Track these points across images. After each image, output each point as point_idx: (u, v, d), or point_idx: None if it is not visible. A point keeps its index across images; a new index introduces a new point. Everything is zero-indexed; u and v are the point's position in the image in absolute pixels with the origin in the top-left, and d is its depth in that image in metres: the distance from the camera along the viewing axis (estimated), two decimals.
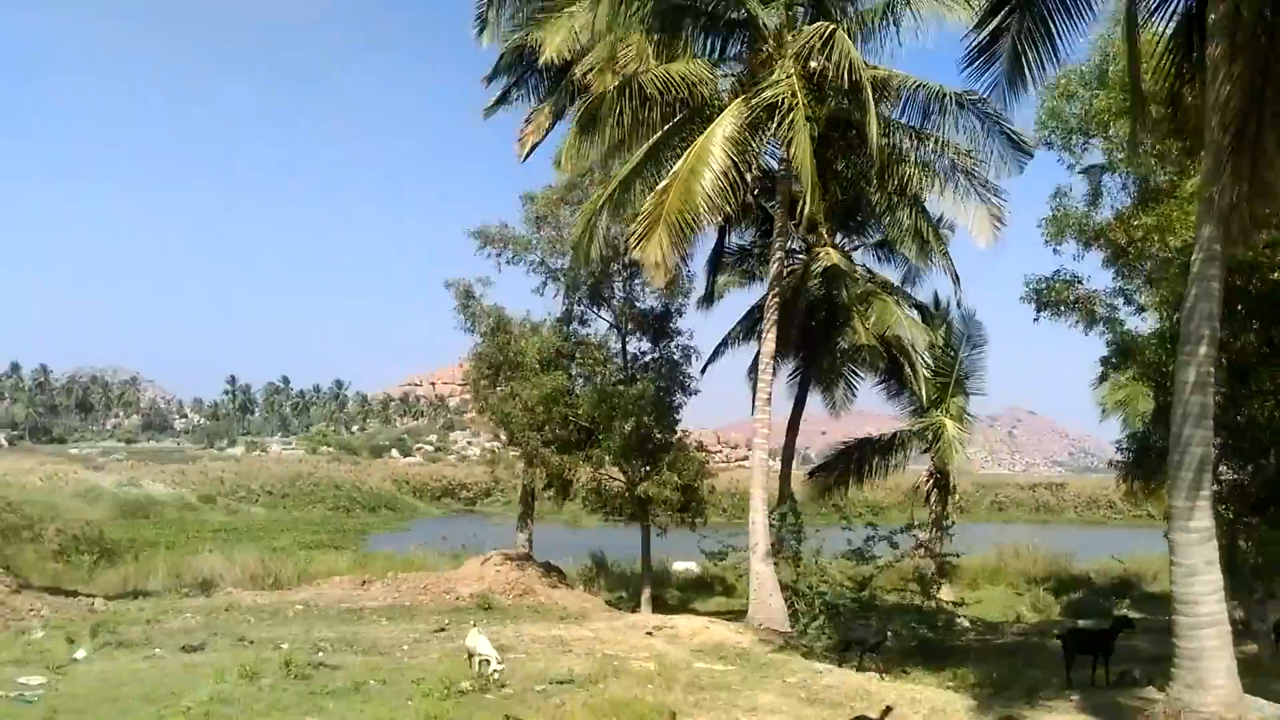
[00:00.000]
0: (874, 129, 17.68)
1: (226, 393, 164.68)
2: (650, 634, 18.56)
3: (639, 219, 18.62)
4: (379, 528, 61.37)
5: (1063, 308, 20.71)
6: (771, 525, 21.09)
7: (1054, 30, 14.39)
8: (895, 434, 27.97)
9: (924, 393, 26.10)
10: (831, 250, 24.95)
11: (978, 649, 20.39)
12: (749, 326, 26.57)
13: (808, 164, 17.86)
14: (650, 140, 20.07)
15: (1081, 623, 20.07)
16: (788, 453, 26.38)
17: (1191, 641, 11.60)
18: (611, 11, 18.91)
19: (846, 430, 33.66)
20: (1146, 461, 20.97)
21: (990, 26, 14.71)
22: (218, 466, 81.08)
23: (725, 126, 19.03)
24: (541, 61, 23.55)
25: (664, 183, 18.77)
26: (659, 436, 23.22)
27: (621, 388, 23.33)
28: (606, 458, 22.72)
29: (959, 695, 14.96)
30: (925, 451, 27.32)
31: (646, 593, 24.29)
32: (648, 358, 25.08)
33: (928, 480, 27.90)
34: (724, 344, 26.41)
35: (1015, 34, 14.42)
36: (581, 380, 24.01)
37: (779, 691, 14.68)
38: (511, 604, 21.80)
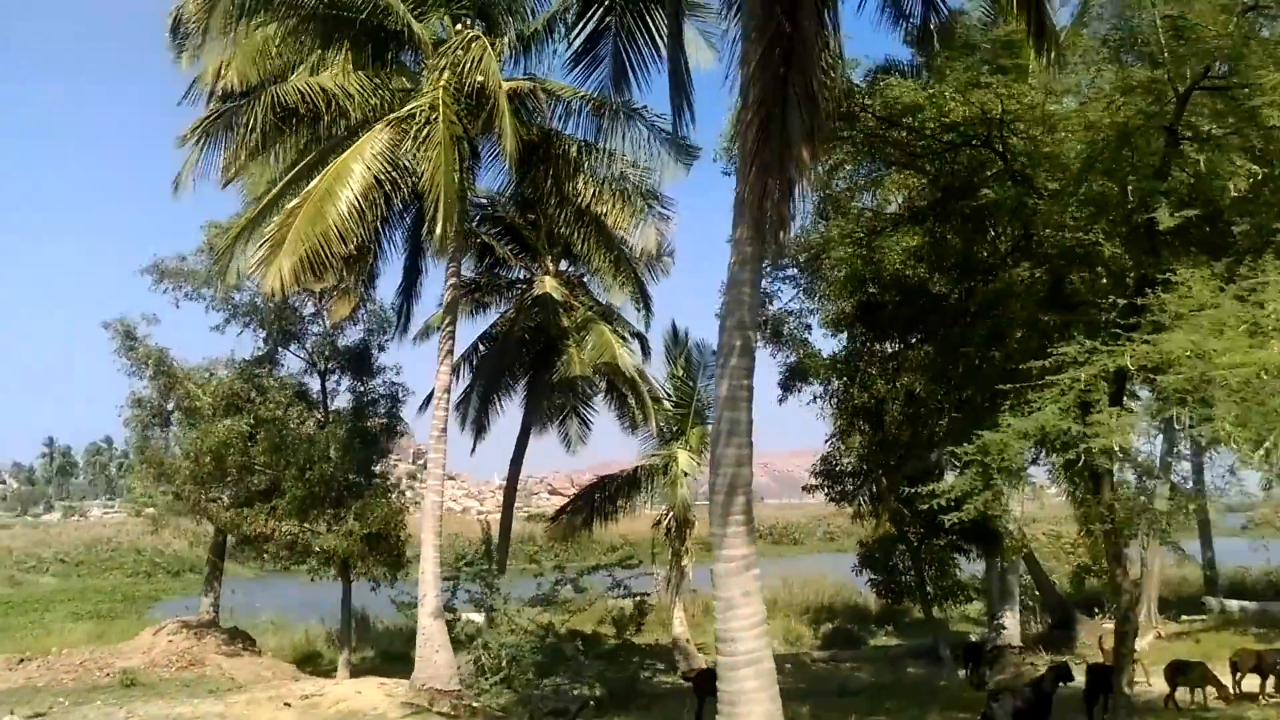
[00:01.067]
0: (508, 141, 16.56)
1: (44, 455, 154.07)
2: (288, 705, 16.84)
3: (261, 242, 16.98)
4: (176, 593, 57.33)
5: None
6: (462, 572, 19.54)
7: (654, 27, 13.72)
8: (636, 469, 26.93)
9: (654, 424, 25.17)
10: (547, 279, 23.93)
11: (667, 693, 19.36)
12: (476, 363, 25.27)
13: (442, 182, 16.52)
14: (307, 159, 18.63)
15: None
16: (509, 495, 24.99)
17: (730, 684, 10.50)
18: (225, 19, 17.30)
19: None
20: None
21: (587, 30, 13.97)
22: (10, 534, 75.38)
23: (374, 143, 17.64)
24: (211, 86, 21.77)
25: (294, 203, 17.17)
26: (353, 481, 21.49)
27: (312, 431, 21.58)
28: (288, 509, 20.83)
29: None
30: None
31: (345, 655, 22.37)
32: (356, 398, 23.45)
33: (668, 515, 26.95)
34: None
35: (615, 36, 13.74)
36: (280, 425, 22.06)
37: None
38: (170, 677, 19.73)
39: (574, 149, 19.55)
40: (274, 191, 18.35)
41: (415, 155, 17.69)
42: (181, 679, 19.55)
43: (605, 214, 20.06)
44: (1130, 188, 10.46)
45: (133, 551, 68.37)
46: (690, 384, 26.65)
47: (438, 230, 16.45)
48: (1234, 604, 30.08)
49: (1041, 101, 11.85)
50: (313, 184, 17.26)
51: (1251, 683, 17.03)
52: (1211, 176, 10.15)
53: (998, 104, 12.05)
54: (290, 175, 18.29)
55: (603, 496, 27.17)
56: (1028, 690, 12.93)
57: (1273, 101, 9.42)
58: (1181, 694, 16.49)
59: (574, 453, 26.91)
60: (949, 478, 19.39)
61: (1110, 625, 26.82)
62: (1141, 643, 20.46)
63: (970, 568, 25.16)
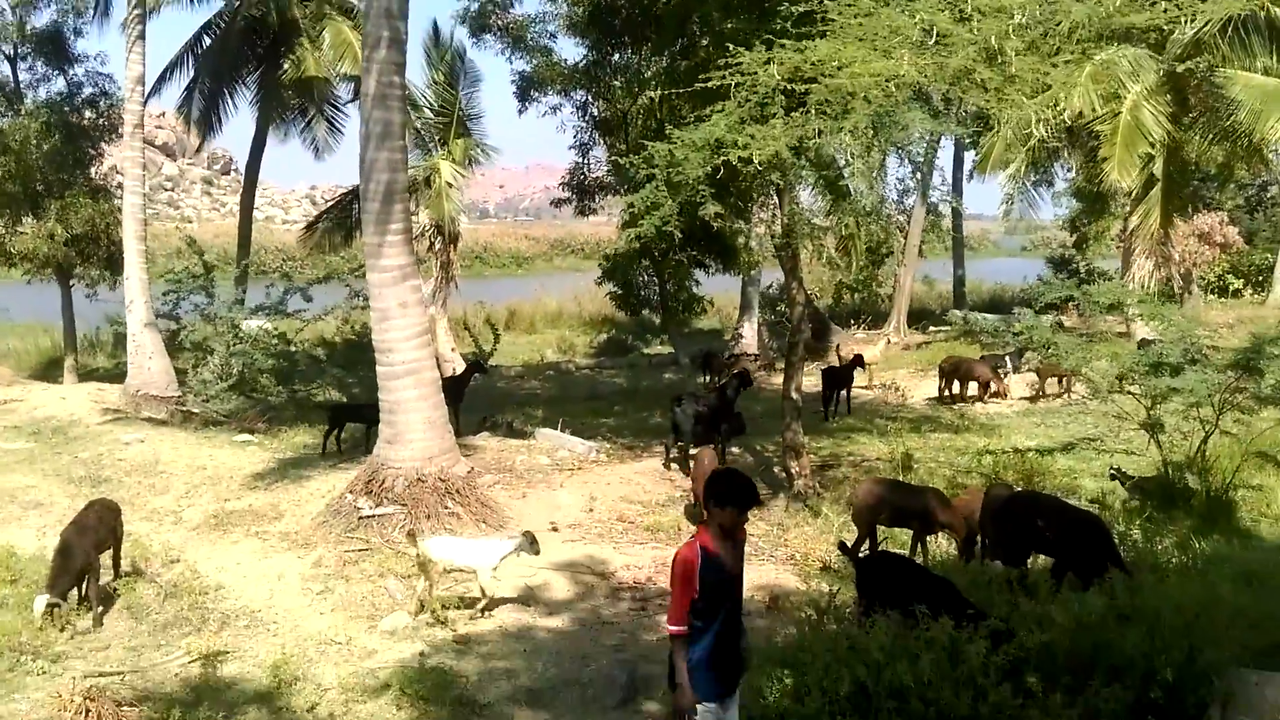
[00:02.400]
0: None
1: None
2: None
3: None
4: None
5: (495, 32, 18.56)
6: (181, 281, 18.51)
7: None
8: None
9: (410, 133, 23.73)
10: None
11: None
12: (200, 54, 22.75)
13: None
14: None
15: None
16: (247, 200, 23.53)
17: (390, 394, 10.44)
18: None
19: None
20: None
21: None
22: None
23: None
24: None
25: None
26: (55, 179, 19.63)
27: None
28: None
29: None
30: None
31: (69, 361, 21.41)
32: (65, 91, 21.03)
33: (431, 229, 26.19)
34: (169, 70, 22.52)
35: None
36: None
37: (49, 472, 12.80)
38: None
39: None
40: None
41: None
42: None
43: None
44: None
45: None
46: (452, 91, 25.03)
47: None
48: (977, 316, 32.19)
49: None
50: None
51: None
52: None
53: None
54: None
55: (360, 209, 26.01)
56: (711, 396, 13.52)
57: None
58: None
59: (323, 159, 25.37)
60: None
61: (861, 336, 28.62)
62: (874, 350, 21.77)
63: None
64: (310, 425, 16.15)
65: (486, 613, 8.19)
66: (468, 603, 8.39)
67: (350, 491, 10.37)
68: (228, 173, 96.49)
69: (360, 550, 9.54)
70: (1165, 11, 8.55)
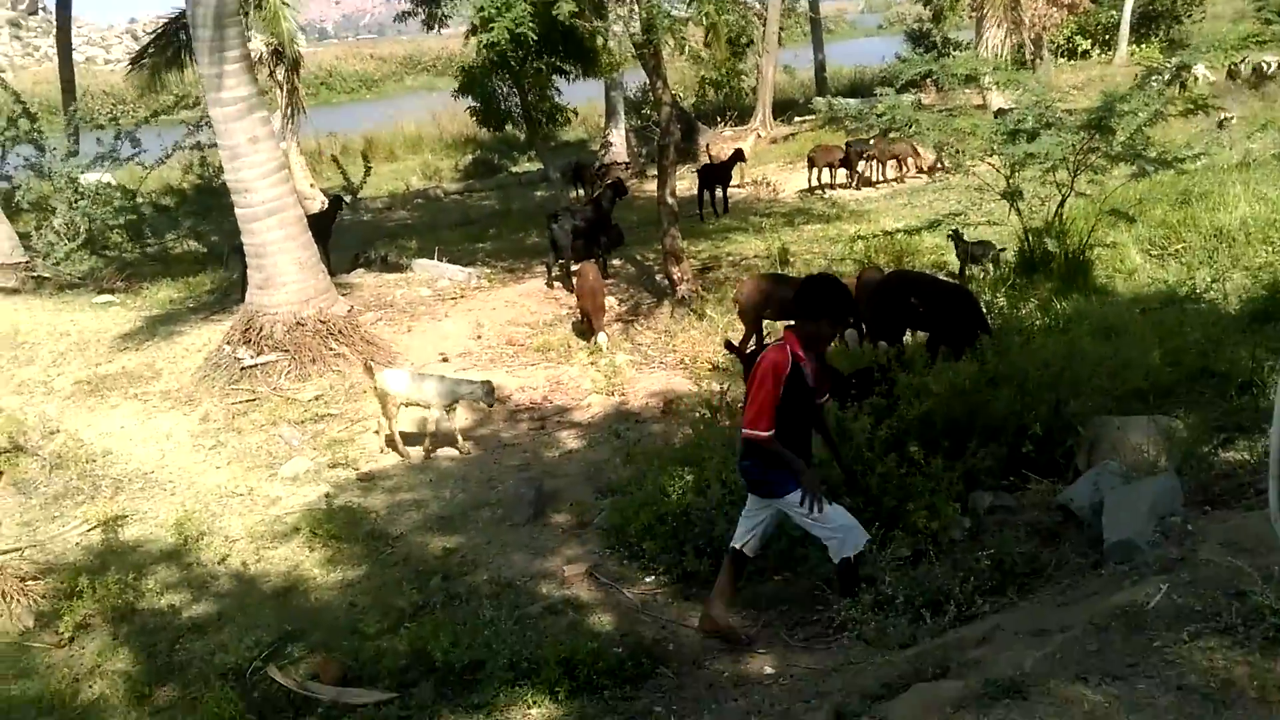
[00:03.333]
0: None
1: None
2: None
3: None
4: None
5: None
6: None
7: None
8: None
9: None
10: None
11: None
12: None
13: None
14: None
15: None
16: (63, 40, 21.51)
17: (253, 237, 9.99)
18: None
19: None
20: None
21: None
22: None
23: None
24: None
25: None
26: None
27: None
28: None
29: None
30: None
31: None
32: None
33: (270, 55, 24.47)
34: None
35: None
36: None
37: None
38: None
39: None
40: None
41: None
42: None
43: None
44: None
45: None
46: None
47: None
48: (841, 101, 32.12)
49: None
50: None
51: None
52: None
53: None
54: None
55: (190, 36, 24.02)
56: (587, 209, 13.36)
57: None
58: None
59: None
60: None
61: (729, 133, 28.38)
62: (744, 146, 21.65)
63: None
64: (173, 279, 15.45)
65: (434, 451, 8.23)
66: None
67: (228, 343, 10.05)
68: (35, 12, 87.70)
69: (248, 401, 9.36)
70: None
